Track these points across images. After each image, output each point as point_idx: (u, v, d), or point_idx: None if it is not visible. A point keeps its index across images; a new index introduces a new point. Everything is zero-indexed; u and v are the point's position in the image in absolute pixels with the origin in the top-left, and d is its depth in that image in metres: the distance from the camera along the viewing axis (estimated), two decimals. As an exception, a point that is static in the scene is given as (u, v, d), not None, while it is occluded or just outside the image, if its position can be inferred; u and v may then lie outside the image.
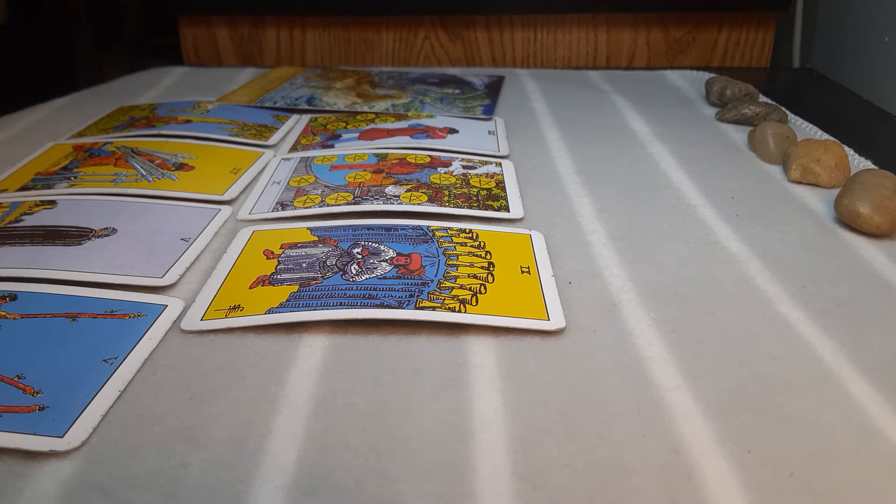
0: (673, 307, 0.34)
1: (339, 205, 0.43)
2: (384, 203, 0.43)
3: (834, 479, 0.24)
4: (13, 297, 0.34)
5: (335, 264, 0.36)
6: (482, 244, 0.38)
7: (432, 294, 0.33)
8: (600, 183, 0.47)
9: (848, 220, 0.41)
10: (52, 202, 0.43)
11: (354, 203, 0.43)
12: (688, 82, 0.72)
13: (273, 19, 0.84)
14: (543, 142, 0.55)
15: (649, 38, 0.82)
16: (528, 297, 0.34)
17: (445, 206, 0.43)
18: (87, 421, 0.26)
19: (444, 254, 0.37)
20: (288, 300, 0.33)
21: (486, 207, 0.43)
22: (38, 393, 0.28)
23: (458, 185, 0.46)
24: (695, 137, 0.56)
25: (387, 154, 0.51)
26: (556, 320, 0.32)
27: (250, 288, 0.34)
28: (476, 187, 0.46)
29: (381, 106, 0.63)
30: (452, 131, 0.56)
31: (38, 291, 0.34)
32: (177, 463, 0.25)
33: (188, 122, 0.58)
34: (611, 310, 0.33)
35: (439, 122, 0.58)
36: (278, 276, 0.35)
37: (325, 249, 0.38)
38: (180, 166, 0.49)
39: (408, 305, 0.32)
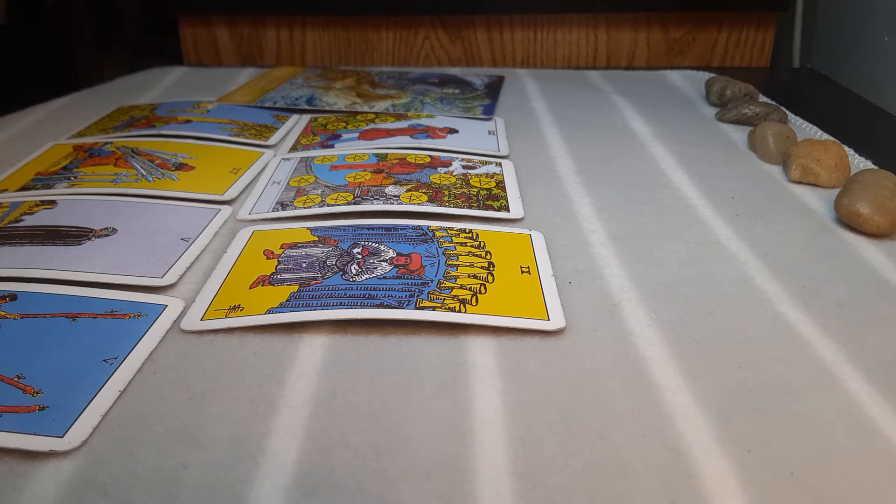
0: (673, 307, 0.34)
1: (339, 205, 0.43)
2: (384, 203, 0.43)
3: (834, 479, 0.24)
4: (13, 297, 0.34)
5: (335, 264, 0.36)
6: (482, 244, 0.38)
7: (432, 294, 0.33)
8: (600, 183, 0.47)
9: (848, 220, 0.41)
10: (52, 202, 0.43)
11: (354, 203, 0.43)
12: (688, 82, 0.72)
13: (273, 19, 0.84)
14: (543, 142, 0.55)
15: (649, 38, 0.82)
16: (528, 297, 0.34)
17: (445, 206, 0.43)
18: (87, 421, 0.26)
19: (444, 254, 0.37)
20: (288, 300, 0.33)
21: (486, 207, 0.43)
22: (38, 393, 0.28)
23: (458, 185, 0.46)
24: (695, 137, 0.56)
25: (387, 154, 0.51)
26: (556, 320, 0.32)
27: (250, 288, 0.34)
28: (476, 187, 0.46)
29: (381, 106, 0.63)
30: (452, 131, 0.56)
31: (38, 291, 0.34)
32: (177, 463, 0.25)
33: (188, 122, 0.58)
34: (611, 310, 0.33)
35: (439, 122, 0.58)
36: (278, 276, 0.35)
37: (325, 249, 0.38)
38: (180, 166, 0.49)
39: (408, 305, 0.32)
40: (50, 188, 0.46)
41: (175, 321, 0.33)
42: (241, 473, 0.24)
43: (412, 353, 0.30)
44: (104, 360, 0.30)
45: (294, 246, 0.38)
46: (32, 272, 0.36)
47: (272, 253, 0.38)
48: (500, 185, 0.46)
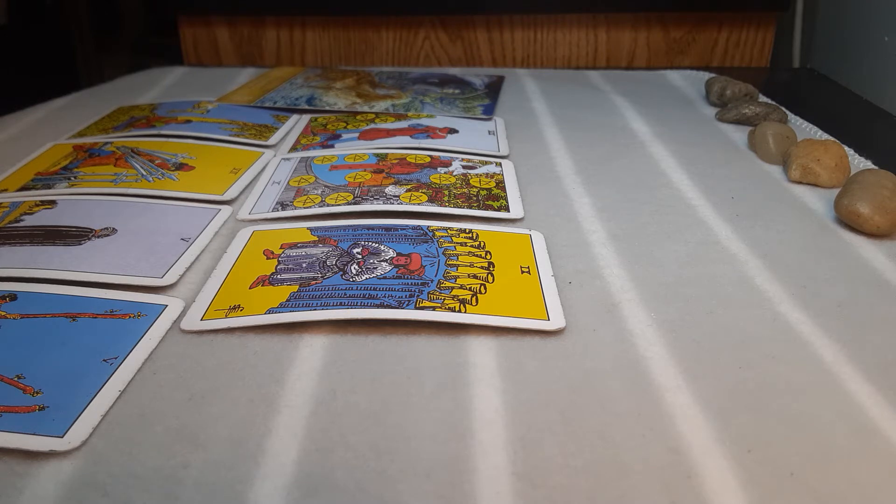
0: (673, 307, 0.34)
1: (339, 205, 0.43)
2: (384, 203, 0.43)
3: (834, 479, 0.24)
4: (13, 297, 0.34)
5: (335, 264, 0.36)
6: (482, 244, 0.38)
7: (432, 294, 0.33)
8: (600, 183, 0.47)
9: (848, 220, 0.41)
10: (52, 202, 0.43)
11: (354, 203, 0.43)
12: (688, 82, 0.72)
13: (273, 19, 0.84)
14: (543, 142, 0.55)
15: (649, 38, 0.82)
16: (528, 297, 0.34)
17: (445, 206, 0.43)
18: (87, 421, 0.26)
19: (444, 254, 0.37)
20: (288, 300, 0.33)
21: (486, 207, 0.43)
22: (38, 393, 0.28)
23: (458, 185, 0.46)
24: (695, 137, 0.56)
25: (387, 154, 0.51)
26: (556, 320, 0.32)
27: (250, 288, 0.34)
28: (476, 187, 0.46)
29: (381, 106, 0.63)
30: (452, 131, 0.56)
31: (38, 291, 0.34)
32: (177, 463, 0.25)
33: (188, 122, 0.58)
34: (611, 310, 0.33)
35: (439, 122, 0.58)
36: (278, 276, 0.35)
37: (325, 249, 0.38)
38: (180, 166, 0.49)
39: (408, 305, 0.32)
40: (50, 188, 0.46)
41: (175, 321, 0.33)
42: (241, 473, 0.24)
43: (412, 353, 0.30)
44: (104, 360, 0.30)
45: (294, 246, 0.38)
46: (32, 272, 0.36)
47: (272, 253, 0.38)
48: (500, 185, 0.46)
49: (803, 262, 0.38)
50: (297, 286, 0.34)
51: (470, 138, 0.55)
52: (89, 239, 0.39)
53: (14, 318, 0.32)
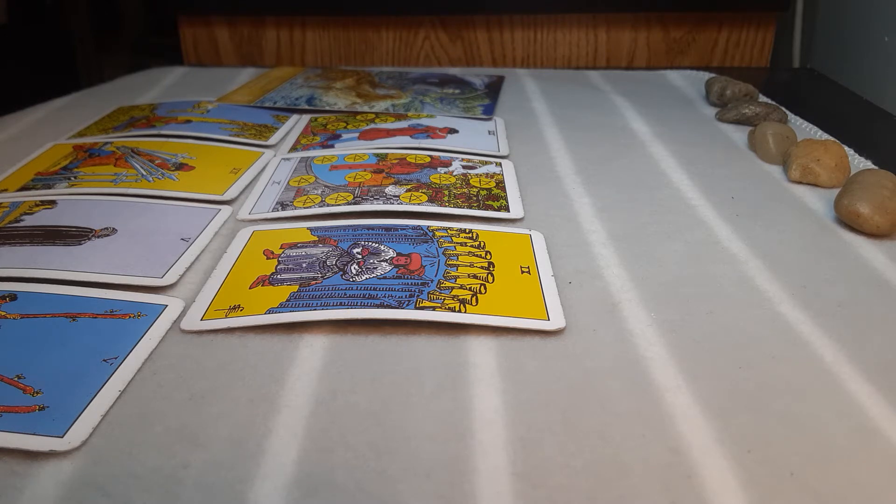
0: (673, 307, 0.34)
1: (339, 205, 0.43)
2: (384, 203, 0.43)
3: (834, 479, 0.24)
4: (13, 297, 0.34)
5: (335, 264, 0.36)
6: (482, 244, 0.38)
7: (432, 294, 0.33)
8: (600, 183, 0.47)
9: (848, 220, 0.41)
10: (52, 202, 0.43)
11: (354, 203, 0.43)
12: (688, 82, 0.72)
13: (273, 19, 0.84)
14: (543, 142, 0.55)
15: (649, 38, 0.82)
16: (528, 297, 0.34)
17: (445, 206, 0.43)
18: (88, 421, 0.26)
19: (444, 254, 0.37)
20: (288, 300, 0.33)
21: (486, 207, 0.43)
22: (38, 393, 0.28)
23: (458, 185, 0.46)
24: (695, 137, 0.56)
25: (387, 154, 0.51)
26: (556, 320, 0.32)
27: (250, 288, 0.34)
28: (476, 187, 0.46)
29: (381, 106, 0.63)
30: (452, 131, 0.56)
31: (38, 291, 0.34)
32: (177, 463, 0.25)
33: (188, 122, 0.58)
34: (611, 310, 0.33)
35: (439, 122, 0.58)
36: (278, 276, 0.35)
37: (325, 249, 0.38)
38: (180, 166, 0.49)
39: (408, 305, 0.32)
40: (50, 188, 0.46)
41: (175, 321, 0.33)
42: (241, 473, 0.24)
43: (412, 353, 0.30)
44: (104, 360, 0.30)
45: (294, 246, 0.38)
46: (32, 272, 0.36)
47: (272, 253, 0.38)
48: (500, 185, 0.46)
49: (803, 262, 0.38)
50: (297, 286, 0.34)
51: (470, 138, 0.55)
52: (89, 239, 0.39)
53: (14, 318, 0.32)
